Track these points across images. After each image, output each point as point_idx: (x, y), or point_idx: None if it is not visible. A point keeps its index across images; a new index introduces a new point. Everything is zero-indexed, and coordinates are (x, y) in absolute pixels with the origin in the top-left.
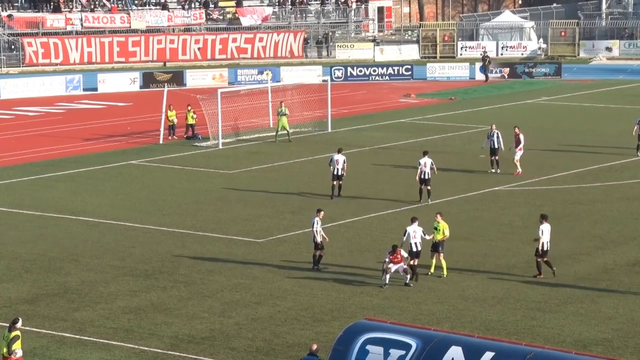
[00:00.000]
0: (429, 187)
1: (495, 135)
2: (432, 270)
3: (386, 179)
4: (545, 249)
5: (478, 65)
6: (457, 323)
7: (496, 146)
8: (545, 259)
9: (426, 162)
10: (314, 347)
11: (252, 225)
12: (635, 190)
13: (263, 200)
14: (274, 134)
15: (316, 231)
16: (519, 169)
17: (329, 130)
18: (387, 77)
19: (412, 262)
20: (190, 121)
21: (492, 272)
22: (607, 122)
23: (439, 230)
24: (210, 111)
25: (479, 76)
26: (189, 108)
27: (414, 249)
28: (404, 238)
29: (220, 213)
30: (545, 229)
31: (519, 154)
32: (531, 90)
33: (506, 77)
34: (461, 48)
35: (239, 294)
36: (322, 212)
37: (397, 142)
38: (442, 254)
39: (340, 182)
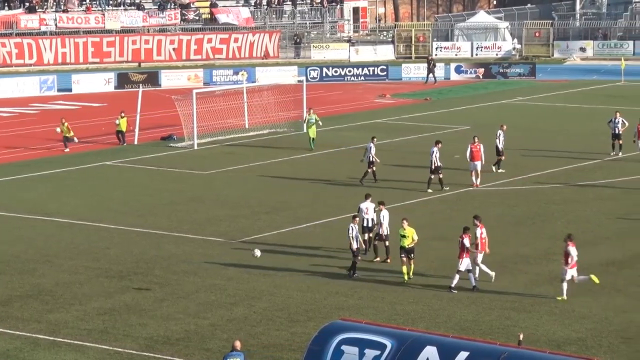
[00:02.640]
0: (440, 176)
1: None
2: (406, 277)
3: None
4: (386, 233)
5: (453, 65)
6: (432, 323)
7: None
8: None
9: (437, 151)
10: (237, 344)
11: (228, 226)
12: (609, 191)
13: (238, 201)
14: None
15: (352, 237)
16: (476, 181)
17: (305, 130)
18: (362, 78)
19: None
20: (122, 128)
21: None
22: (581, 123)
23: (407, 236)
24: (185, 112)
25: (454, 76)
26: (122, 114)
27: (367, 224)
28: (358, 213)
29: (196, 214)
30: (370, 207)
31: (479, 164)
32: (506, 91)
33: (481, 77)
34: (436, 48)
35: (214, 294)
36: (357, 219)
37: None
38: (412, 260)
39: (374, 169)
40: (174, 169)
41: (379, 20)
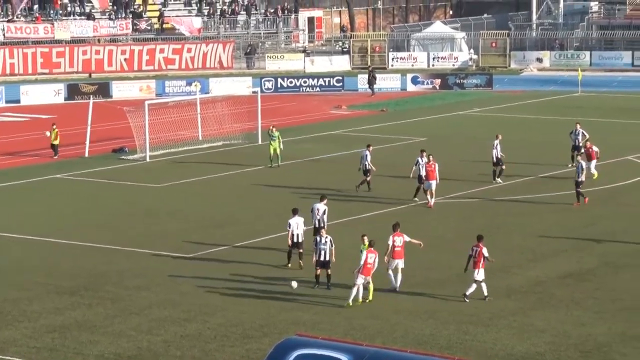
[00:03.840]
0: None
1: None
2: (370, 297)
3: (318, 191)
4: (300, 240)
5: (410, 76)
6: (389, 338)
7: (498, 156)
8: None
9: (423, 161)
10: None
11: (181, 240)
12: (566, 202)
13: (192, 215)
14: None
15: (320, 249)
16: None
17: (259, 142)
18: (317, 89)
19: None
20: (54, 141)
21: (425, 286)
22: (539, 134)
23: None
24: (137, 123)
25: (411, 87)
26: (54, 127)
27: (297, 240)
28: (288, 229)
29: (148, 228)
30: (300, 222)
31: (433, 183)
32: (462, 102)
33: (437, 88)
34: (392, 59)
35: (167, 310)
36: (323, 230)
37: (328, 154)
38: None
39: (369, 178)
40: (125, 182)
41: (345, 30)
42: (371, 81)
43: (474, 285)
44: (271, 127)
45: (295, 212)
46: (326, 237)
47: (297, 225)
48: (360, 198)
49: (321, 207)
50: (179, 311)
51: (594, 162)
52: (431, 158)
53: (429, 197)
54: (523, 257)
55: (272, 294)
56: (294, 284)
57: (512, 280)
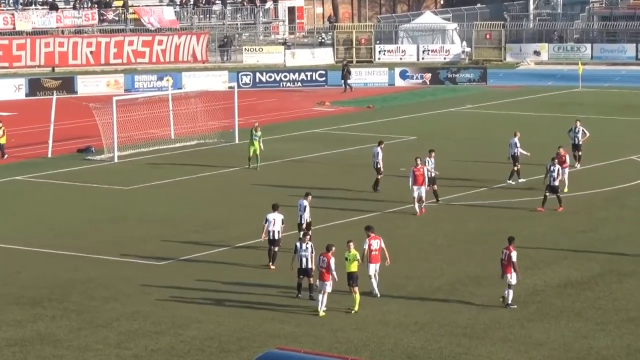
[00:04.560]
0: (435, 187)
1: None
2: (356, 308)
3: (300, 194)
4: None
5: (398, 70)
6: (376, 351)
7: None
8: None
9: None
10: None
11: (152, 247)
12: (567, 205)
13: (164, 219)
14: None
15: (307, 257)
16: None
17: (236, 141)
18: (299, 84)
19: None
20: (1, 141)
21: (415, 295)
22: (537, 132)
23: (350, 260)
24: (104, 121)
25: (399, 82)
26: (0, 125)
27: (276, 237)
28: (264, 224)
29: (117, 233)
30: (278, 218)
31: (423, 189)
32: (454, 98)
33: (428, 83)
34: (379, 52)
35: (137, 322)
36: (308, 236)
37: (310, 154)
38: (356, 287)
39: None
40: (92, 184)
41: (332, 21)
42: (345, 76)
43: (511, 292)
44: (255, 125)
45: (275, 208)
46: (307, 244)
47: (274, 222)
48: (347, 200)
49: (304, 202)
50: (150, 323)
51: (566, 171)
52: (419, 161)
53: (417, 206)
54: (520, 264)
55: (251, 304)
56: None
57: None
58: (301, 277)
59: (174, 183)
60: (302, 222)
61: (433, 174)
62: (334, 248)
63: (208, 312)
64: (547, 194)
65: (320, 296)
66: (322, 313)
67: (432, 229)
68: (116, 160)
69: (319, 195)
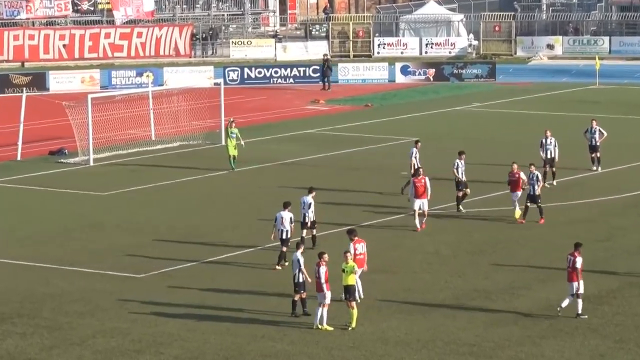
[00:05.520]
0: (462, 193)
1: (551, 144)
2: (353, 324)
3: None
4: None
5: (399, 66)
6: None
7: (550, 155)
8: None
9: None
10: None
11: (131, 258)
12: (582, 212)
13: (144, 228)
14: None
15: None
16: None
17: (222, 143)
18: (291, 80)
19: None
20: None
21: (417, 310)
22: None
23: (347, 272)
24: (78, 121)
25: (400, 78)
26: None
27: (284, 236)
28: (275, 223)
29: (93, 243)
30: (287, 217)
31: (426, 202)
32: (460, 95)
33: (431, 79)
34: (378, 45)
35: (115, 340)
36: (302, 246)
37: (304, 156)
38: (354, 302)
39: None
40: (65, 189)
41: (328, 12)
42: (326, 72)
43: (580, 301)
44: (230, 121)
45: (285, 205)
46: (296, 256)
47: (282, 220)
48: (344, 206)
49: (308, 199)
50: (129, 341)
51: (518, 194)
52: (421, 171)
53: (417, 221)
54: (532, 277)
55: (240, 319)
56: None
57: (518, 304)
58: (297, 294)
59: (155, 188)
60: (307, 220)
61: (463, 178)
62: (326, 255)
63: (192, 329)
64: (528, 203)
65: (317, 310)
66: (325, 327)
67: (436, 239)
68: (92, 163)
69: (317, 200)
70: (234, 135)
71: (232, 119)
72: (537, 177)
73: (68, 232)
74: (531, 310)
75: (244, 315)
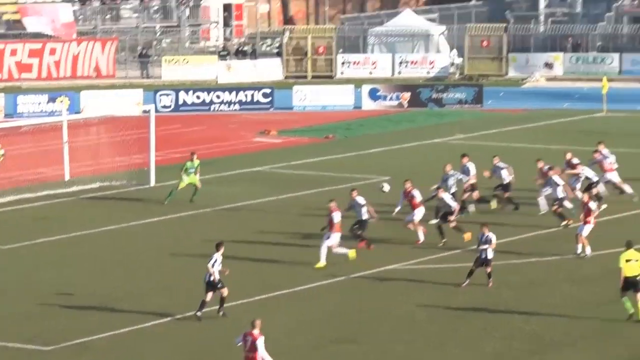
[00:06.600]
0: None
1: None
2: None
3: (242, 252)
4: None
5: (366, 89)
6: None
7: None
8: None
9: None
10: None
11: (40, 326)
12: (585, 269)
13: (55, 289)
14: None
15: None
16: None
17: (152, 184)
18: (236, 106)
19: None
20: None
21: None
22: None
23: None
24: None
25: (368, 104)
26: None
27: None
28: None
29: None
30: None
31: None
32: (440, 125)
33: (405, 105)
34: (342, 64)
35: None
36: (222, 246)
37: (251, 200)
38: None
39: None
40: None
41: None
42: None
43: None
44: (192, 156)
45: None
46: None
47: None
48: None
49: (360, 200)
50: None
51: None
52: (408, 184)
53: (419, 231)
54: (524, 347)
55: None
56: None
57: None
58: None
59: (68, 241)
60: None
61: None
62: (259, 322)
63: None
64: (474, 267)
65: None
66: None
67: (409, 299)
68: None
69: (261, 257)
70: (192, 171)
71: (192, 153)
72: (486, 237)
73: None
74: None
75: None
